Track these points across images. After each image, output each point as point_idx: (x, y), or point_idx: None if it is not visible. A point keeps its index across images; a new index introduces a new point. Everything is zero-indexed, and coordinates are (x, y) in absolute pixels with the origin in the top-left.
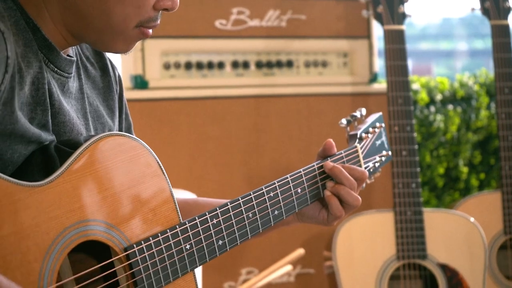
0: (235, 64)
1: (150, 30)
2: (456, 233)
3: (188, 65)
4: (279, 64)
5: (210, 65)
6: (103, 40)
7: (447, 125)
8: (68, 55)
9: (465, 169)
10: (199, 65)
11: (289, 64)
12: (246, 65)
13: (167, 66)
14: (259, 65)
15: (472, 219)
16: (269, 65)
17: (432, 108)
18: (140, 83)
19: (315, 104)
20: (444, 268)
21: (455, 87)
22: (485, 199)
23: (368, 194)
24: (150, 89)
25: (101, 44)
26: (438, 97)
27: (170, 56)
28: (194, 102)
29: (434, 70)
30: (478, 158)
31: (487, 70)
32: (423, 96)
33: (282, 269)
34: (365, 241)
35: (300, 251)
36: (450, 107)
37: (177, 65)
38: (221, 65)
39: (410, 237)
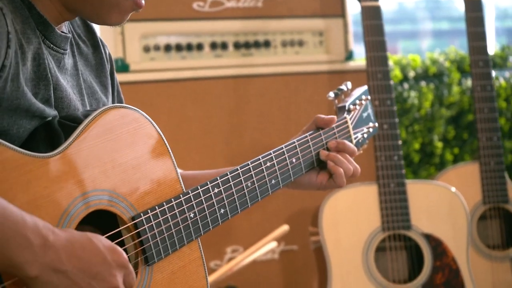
0: (213, 45)
1: (143, 1)
2: (438, 203)
3: (167, 48)
4: (256, 45)
5: (189, 47)
6: (98, 12)
7: (421, 101)
8: (62, 32)
9: (439, 144)
10: (178, 47)
11: (266, 44)
12: (224, 46)
13: (147, 49)
14: (237, 45)
15: (453, 189)
16: (247, 45)
17: (406, 85)
18: (122, 66)
19: (293, 83)
20: (429, 237)
21: (426, 64)
22: (463, 171)
23: None
24: (131, 72)
25: (96, 17)
26: (411, 74)
27: (149, 39)
28: (174, 84)
29: (399, 51)
30: (451, 133)
31: (455, 48)
32: (397, 73)
33: (267, 246)
34: (350, 214)
35: (285, 228)
36: (423, 83)
37: (157, 48)
38: (200, 47)
39: (394, 208)
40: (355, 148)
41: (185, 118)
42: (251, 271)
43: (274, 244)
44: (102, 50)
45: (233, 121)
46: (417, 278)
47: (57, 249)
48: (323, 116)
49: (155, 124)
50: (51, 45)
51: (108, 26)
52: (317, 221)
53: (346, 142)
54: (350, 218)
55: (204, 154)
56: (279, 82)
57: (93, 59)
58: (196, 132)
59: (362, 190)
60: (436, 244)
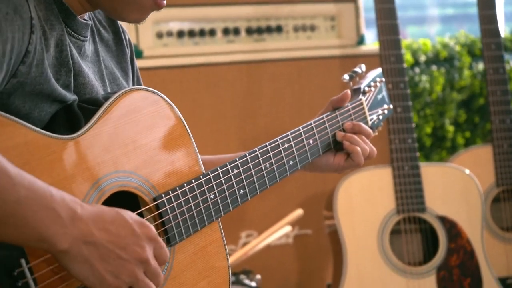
0: (226, 31)
1: (164, 1)
2: (452, 185)
3: (180, 34)
4: (269, 30)
5: (201, 33)
6: (117, 8)
7: (432, 86)
8: (84, 19)
9: (451, 128)
10: (191, 33)
11: (279, 29)
12: (236, 31)
13: (159, 35)
14: (249, 31)
15: (467, 171)
16: (259, 31)
17: (417, 69)
18: (136, 52)
19: (305, 68)
20: (443, 220)
21: (437, 48)
22: (477, 153)
23: None
24: (144, 58)
25: (116, 13)
26: (422, 58)
27: (162, 25)
28: (187, 70)
29: (408, 37)
30: (463, 117)
31: (465, 32)
32: (408, 57)
33: (281, 230)
34: (365, 197)
35: (299, 212)
36: (434, 67)
37: (170, 34)
38: (212, 33)
39: (409, 191)
40: (371, 130)
41: (198, 104)
42: (265, 256)
43: (288, 229)
44: (123, 36)
45: (246, 106)
46: (432, 260)
47: (86, 221)
48: (336, 96)
49: (174, 106)
50: (72, 32)
51: None
52: (331, 205)
53: (362, 124)
54: (364, 201)
55: (218, 139)
56: (291, 67)
57: (113, 45)
58: (209, 118)
59: (376, 173)
60: (450, 226)
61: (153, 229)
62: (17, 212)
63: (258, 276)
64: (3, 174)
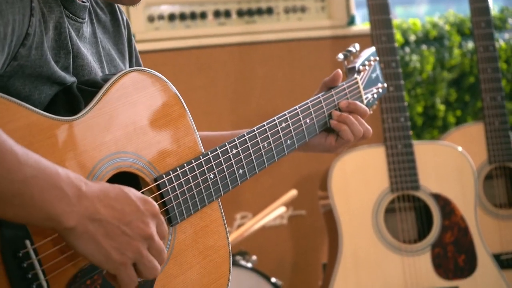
0: (217, 14)
1: None
2: (446, 163)
3: (171, 17)
4: (259, 12)
5: (192, 16)
6: None
7: (422, 65)
8: (81, 1)
9: (442, 107)
10: (182, 16)
11: (269, 11)
12: (227, 14)
13: (151, 19)
14: (240, 13)
15: (460, 149)
16: (250, 13)
17: (407, 49)
18: None
19: (296, 49)
20: (437, 197)
21: (427, 28)
22: (468, 131)
23: None
24: (136, 42)
25: None
26: (412, 38)
27: (153, 8)
28: (179, 53)
29: (397, 17)
30: (453, 96)
31: (454, 11)
32: (398, 37)
33: (276, 212)
34: (359, 177)
35: (293, 192)
36: (424, 47)
37: (161, 17)
38: (203, 15)
39: (402, 169)
40: (366, 109)
41: (190, 87)
42: (261, 237)
43: (282, 210)
44: (119, 17)
45: (238, 88)
46: (427, 238)
47: (91, 198)
48: (328, 77)
49: (173, 87)
50: (70, 14)
51: None
52: (325, 185)
53: (357, 102)
54: (358, 180)
55: (211, 122)
56: (282, 49)
57: (110, 26)
58: (202, 100)
59: (370, 152)
60: (444, 204)
61: (156, 205)
62: (24, 192)
63: (254, 257)
64: (10, 153)
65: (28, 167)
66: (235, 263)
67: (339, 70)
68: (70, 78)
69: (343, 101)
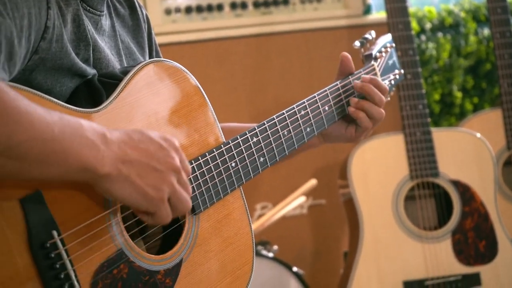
0: (233, 5)
1: None
2: (464, 149)
3: (188, 9)
4: (275, 3)
5: (209, 8)
6: None
7: (438, 52)
8: None
9: (459, 94)
10: (199, 9)
11: (285, 1)
12: (244, 5)
13: (168, 12)
14: (256, 4)
15: (478, 135)
16: (266, 4)
17: (423, 37)
18: None
19: (313, 39)
20: (457, 184)
21: (442, 15)
22: (486, 118)
23: None
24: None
25: None
26: (428, 25)
27: (170, 1)
28: (196, 45)
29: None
30: (470, 83)
31: None
32: (414, 25)
33: (296, 201)
34: (378, 165)
35: (313, 182)
36: (440, 34)
37: (178, 10)
38: (220, 7)
39: (422, 156)
40: (386, 86)
41: (208, 79)
42: (281, 227)
43: (302, 199)
44: (139, 11)
45: (256, 79)
46: (447, 224)
47: (117, 143)
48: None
49: (193, 77)
50: (87, 7)
51: None
52: (345, 174)
53: (377, 78)
54: (378, 168)
55: (228, 113)
56: (299, 39)
57: (130, 20)
58: (220, 92)
59: (388, 140)
60: (464, 190)
61: (176, 140)
62: (56, 148)
63: (275, 247)
64: (37, 117)
65: (54, 125)
66: (257, 253)
67: (345, 53)
68: (91, 70)
69: (365, 76)
